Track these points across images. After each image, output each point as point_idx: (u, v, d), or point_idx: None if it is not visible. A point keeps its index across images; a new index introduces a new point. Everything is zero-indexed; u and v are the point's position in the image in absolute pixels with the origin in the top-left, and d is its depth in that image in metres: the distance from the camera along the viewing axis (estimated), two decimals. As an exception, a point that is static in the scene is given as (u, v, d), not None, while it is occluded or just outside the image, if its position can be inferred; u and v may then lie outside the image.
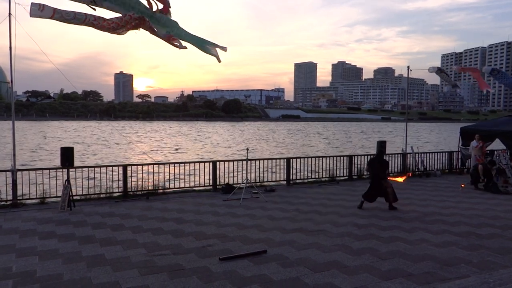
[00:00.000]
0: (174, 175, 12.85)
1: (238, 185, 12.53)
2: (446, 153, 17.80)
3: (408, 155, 16.75)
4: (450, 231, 8.52)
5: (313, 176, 14.76)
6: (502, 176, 14.09)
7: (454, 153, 17.78)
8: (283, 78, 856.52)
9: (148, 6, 8.77)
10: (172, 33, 8.82)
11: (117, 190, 11.84)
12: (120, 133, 55.03)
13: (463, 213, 10.09)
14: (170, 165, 13.10)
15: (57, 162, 12.57)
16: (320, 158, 15.28)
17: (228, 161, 14.01)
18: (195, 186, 12.82)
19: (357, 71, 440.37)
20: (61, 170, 10.84)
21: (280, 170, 14.05)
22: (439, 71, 17.52)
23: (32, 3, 8.10)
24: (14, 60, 9.59)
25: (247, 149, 13.35)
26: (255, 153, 34.88)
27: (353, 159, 15.37)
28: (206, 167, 13.18)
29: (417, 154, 16.76)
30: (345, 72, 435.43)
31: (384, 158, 10.66)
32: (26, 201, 10.71)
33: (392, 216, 9.74)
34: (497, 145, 17.44)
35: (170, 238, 7.91)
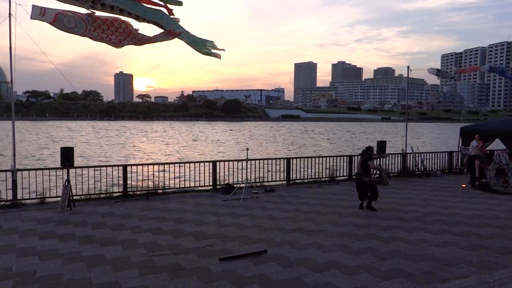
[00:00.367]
0: (174, 175, 12.84)
1: (238, 185, 12.53)
2: (446, 153, 17.80)
3: (408, 155, 16.75)
4: (450, 231, 8.52)
5: (313, 176, 14.75)
6: (502, 176, 14.09)
7: (454, 153, 17.78)
8: (283, 78, 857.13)
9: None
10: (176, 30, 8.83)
11: (117, 190, 11.84)
12: (123, 135, 55.09)
13: (463, 213, 10.09)
14: (170, 165, 13.09)
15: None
16: (320, 158, 15.28)
17: (228, 161, 14.01)
18: (195, 186, 12.82)
19: (357, 71, 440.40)
20: (61, 170, 10.83)
21: (280, 170, 14.05)
22: (439, 73, 17.55)
23: (33, 6, 8.11)
24: (14, 60, 9.59)
25: (247, 149, 13.34)
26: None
27: (353, 159, 15.37)
28: (206, 167, 13.17)
29: (417, 154, 16.76)
30: (345, 72, 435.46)
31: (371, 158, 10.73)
32: (26, 201, 10.71)
33: (392, 216, 9.74)
34: (497, 145, 17.44)
35: (170, 238, 7.91)
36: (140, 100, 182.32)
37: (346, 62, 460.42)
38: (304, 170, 14.48)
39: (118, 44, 8.76)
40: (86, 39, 8.48)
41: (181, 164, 13.21)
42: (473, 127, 17.58)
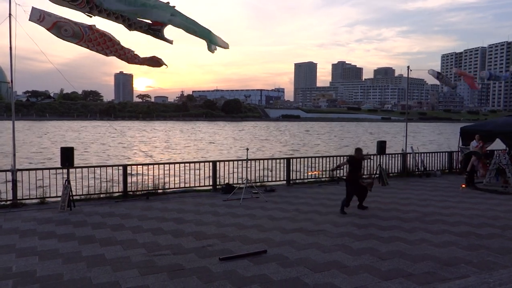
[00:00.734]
0: (174, 175, 12.84)
1: (238, 185, 12.53)
2: (446, 153, 17.80)
3: (408, 155, 16.75)
4: (450, 231, 8.52)
5: (313, 176, 14.75)
6: (502, 176, 14.10)
7: (454, 153, 17.78)
8: (283, 78, 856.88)
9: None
10: (176, 18, 8.69)
11: (117, 190, 11.84)
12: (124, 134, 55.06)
13: (463, 213, 10.09)
14: (170, 165, 13.08)
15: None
16: (320, 158, 15.28)
17: (228, 161, 14.01)
18: (195, 186, 12.82)
19: (357, 71, 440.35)
20: (61, 170, 10.83)
21: (280, 170, 14.04)
22: (440, 76, 17.54)
23: (33, 8, 8.11)
24: (14, 60, 9.59)
25: (247, 149, 13.34)
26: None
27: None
28: (206, 167, 13.18)
29: (417, 154, 16.76)
30: (345, 72, 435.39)
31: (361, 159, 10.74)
32: (26, 201, 10.71)
33: (392, 216, 9.74)
34: (497, 145, 17.44)
35: (170, 238, 7.91)
36: (140, 100, 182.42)
37: (346, 62, 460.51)
38: (304, 170, 14.48)
39: (108, 54, 8.90)
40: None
41: (181, 164, 13.21)
42: (473, 127, 17.58)
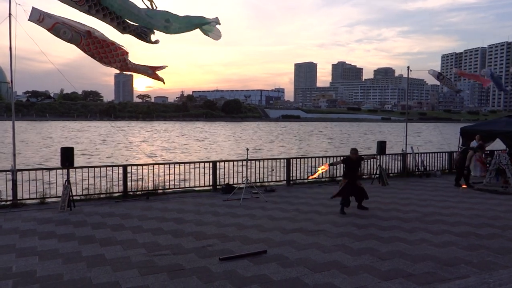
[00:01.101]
0: (174, 175, 12.84)
1: (238, 185, 12.53)
2: (446, 153, 17.80)
3: (408, 155, 16.76)
4: (450, 231, 8.52)
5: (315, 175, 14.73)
6: (502, 176, 14.10)
7: (454, 153, 17.77)
8: (283, 78, 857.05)
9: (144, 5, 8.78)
10: (171, 25, 8.76)
11: (117, 190, 11.84)
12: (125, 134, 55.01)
13: (463, 213, 10.09)
14: (170, 165, 13.08)
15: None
16: (320, 158, 15.28)
17: (228, 161, 14.01)
18: (195, 186, 12.82)
19: (357, 71, 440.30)
20: (61, 170, 10.83)
21: (280, 170, 14.05)
22: (440, 76, 17.46)
23: (33, 8, 8.12)
24: (14, 60, 9.59)
25: (247, 149, 13.34)
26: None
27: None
28: (206, 167, 13.17)
29: (417, 154, 16.76)
30: (345, 72, 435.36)
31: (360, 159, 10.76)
32: (26, 201, 10.71)
33: (392, 216, 9.74)
34: (497, 145, 17.44)
35: (170, 238, 7.91)
36: (140, 100, 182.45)
37: (346, 62, 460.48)
38: (304, 171, 14.47)
39: (106, 64, 8.98)
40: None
41: (181, 164, 13.21)
42: (473, 127, 17.58)
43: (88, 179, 11.67)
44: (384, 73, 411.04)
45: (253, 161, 13.90)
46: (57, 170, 11.18)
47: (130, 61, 9.38)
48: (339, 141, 54.84)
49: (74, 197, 10.49)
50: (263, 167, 13.78)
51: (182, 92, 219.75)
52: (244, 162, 12.70)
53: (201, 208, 10.52)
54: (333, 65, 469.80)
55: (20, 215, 9.59)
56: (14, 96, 12.75)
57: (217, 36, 8.99)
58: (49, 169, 11.36)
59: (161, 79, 9.83)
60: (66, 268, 6.30)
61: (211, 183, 12.94)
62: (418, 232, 8.40)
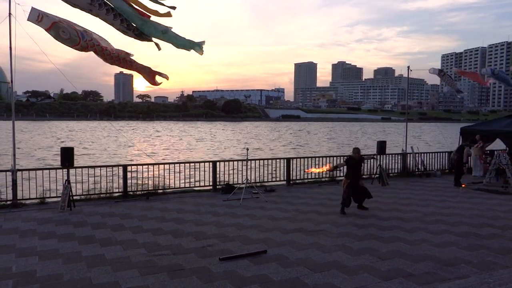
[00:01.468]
0: (174, 175, 12.84)
1: (238, 185, 12.53)
2: (446, 153, 17.79)
3: (408, 155, 16.76)
4: (450, 231, 8.52)
5: (313, 176, 14.75)
6: (502, 176, 14.11)
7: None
8: (283, 78, 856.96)
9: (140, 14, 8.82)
10: (166, 34, 8.87)
11: (117, 190, 11.84)
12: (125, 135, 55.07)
13: (463, 213, 10.09)
14: (170, 165, 13.08)
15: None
16: (320, 158, 15.28)
17: (228, 161, 14.01)
18: (195, 186, 12.82)
19: (357, 71, 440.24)
20: (61, 170, 10.83)
21: (280, 170, 14.05)
22: (441, 73, 17.41)
23: (32, 8, 8.11)
24: (14, 60, 9.59)
25: (247, 149, 13.34)
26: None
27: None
28: (206, 167, 13.18)
29: (417, 154, 16.76)
30: (345, 72, 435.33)
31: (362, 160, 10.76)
32: (26, 201, 10.71)
33: (392, 216, 9.74)
34: (497, 145, 17.45)
35: (170, 238, 7.91)
36: (140, 100, 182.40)
37: (346, 62, 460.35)
38: (304, 170, 14.47)
39: (105, 61, 9.00)
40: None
41: (181, 164, 13.21)
42: (473, 127, 17.59)
43: (88, 179, 11.67)
44: (384, 73, 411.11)
45: (253, 161, 13.89)
46: (57, 170, 11.18)
47: (134, 60, 9.40)
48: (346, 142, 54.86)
49: (74, 197, 10.49)
50: (263, 165, 13.78)
51: (182, 92, 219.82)
52: (244, 162, 12.69)
53: (201, 208, 10.52)
54: (333, 65, 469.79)
55: (20, 215, 9.59)
56: (14, 96, 12.74)
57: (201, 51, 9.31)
58: (49, 169, 11.34)
59: (157, 84, 9.83)
60: (66, 268, 6.30)
61: (211, 183, 12.94)
62: (418, 232, 8.40)
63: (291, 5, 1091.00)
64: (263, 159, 14.36)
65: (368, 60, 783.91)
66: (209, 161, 13.49)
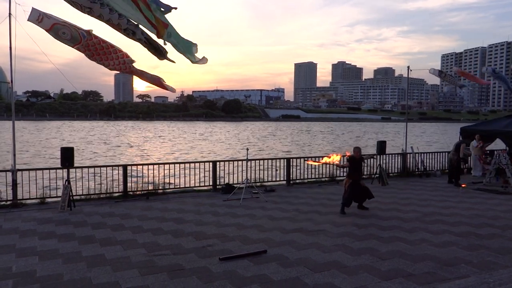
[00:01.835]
0: (174, 175, 12.85)
1: (238, 185, 12.53)
2: (446, 153, 17.77)
3: (408, 155, 16.75)
4: (450, 231, 8.52)
5: (313, 176, 14.75)
6: (502, 176, 14.11)
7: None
8: (283, 78, 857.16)
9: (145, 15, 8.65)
10: (171, 39, 8.67)
11: (117, 190, 11.84)
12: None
13: (463, 213, 10.09)
14: (170, 165, 13.08)
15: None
16: (320, 158, 15.25)
17: (228, 161, 14.01)
18: (195, 186, 12.82)
19: (357, 71, 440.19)
20: (61, 170, 10.83)
21: (280, 170, 14.05)
22: (442, 74, 17.39)
23: (33, 9, 8.10)
24: (14, 60, 9.59)
25: (247, 149, 13.34)
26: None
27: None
28: (206, 167, 13.18)
29: (417, 154, 16.76)
30: (345, 72, 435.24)
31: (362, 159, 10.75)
32: (26, 201, 10.71)
33: (392, 216, 9.74)
34: (497, 145, 17.45)
35: (170, 238, 7.91)
36: (140, 100, 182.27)
37: (346, 62, 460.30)
38: (304, 170, 14.48)
39: (106, 66, 8.88)
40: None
41: (181, 164, 13.21)
42: (473, 127, 17.59)
43: (88, 179, 11.67)
44: (384, 73, 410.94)
45: (253, 161, 13.89)
46: (57, 170, 11.18)
47: (134, 66, 9.21)
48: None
49: (74, 197, 10.49)
50: (262, 164, 13.77)
51: (182, 92, 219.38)
52: (244, 162, 12.69)
53: (201, 208, 10.52)
54: (333, 65, 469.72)
55: (20, 215, 9.59)
56: (14, 96, 12.75)
57: (203, 61, 9.06)
58: (49, 169, 11.34)
59: (169, 88, 9.79)
60: (66, 268, 6.30)
61: (211, 183, 12.94)
62: (418, 232, 8.40)
63: (291, 5, 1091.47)
64: (263, 159, 14.36)
65: (368, 60, 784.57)
66: (209, 161, 13.49)
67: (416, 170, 16.54)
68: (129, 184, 11.78)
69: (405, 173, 16.31)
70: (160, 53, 8.54)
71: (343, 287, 5.70)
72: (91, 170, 12.32)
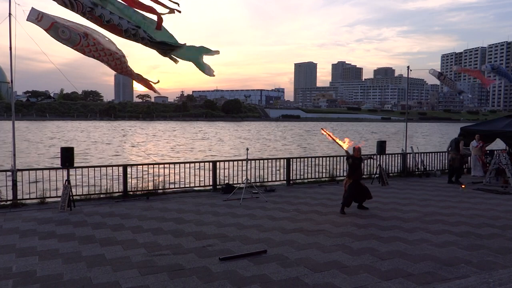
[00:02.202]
0: (174, 175, 12.84)
1: (238, 185, 12.53)
2: (446, 153, 17.77)
3: (408, 155, 16.75)
4: (450, 231, 8.52)
5: (313, 176, 14.75)
6: (502, 176, 14.11)
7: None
8: (283, 78, 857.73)
9: (145, 16, 8.61)
10: (171, 42, 8.57)
11: (117, 190, 11.84)
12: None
13: (463, 213, 10.09)
14: (170, 165, 13.08)
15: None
16: (320, 158, 15.28)
17: (228, 161, 14.01)
18: (195, 186, 12.81)
19: (357, 71, 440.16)
20: (61, 170, 10.83)
21: (280, 170, 14.04)
22: (441, 76, 17.35)
23: (32, 8, 8.09)
24: (14, 60, 9.60)
25: (247, 149, 13.34)
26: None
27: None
28: (206, 167, 13.17)
29: (417, 154, 16.76)
30: (345, 72, 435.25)
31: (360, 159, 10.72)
32: (26, 201, 10.71)
33: (392, 216, 9.74)
34: (497, 145, 17.44)
35: (170, 238, 7.91)
36: (140, 100, 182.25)
37: (346, 62, 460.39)
38: (304, 170, 14.47)
39: (105, 62, 8.85)
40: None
41: (181, 164, 13.20)
42: (473, 127, 17.58)
43: (88, 179, 11.67)
44: (384, 73, 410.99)
45: (253, 161, 13.89)
46: (57, 170, 11.18)
47: (128, 66, 9.19)
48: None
49: (74, 197, 10.49)
50: (262, 163, 13.77)
51: (182, 92, 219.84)
52: (244, 162, 12.69)
53: (201, 208, 10.52)
54: (333, 65, 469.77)
55: (20, 215, 9.59)
56: (14, 96, 12.74)
57: (210, 72, 8.86)
58: (49, 169, 11.34)
59: (154, 89, 9.72)
60: (66, 268, 6.30)
61: (211, 183, 12.94)
62: (418, 232, 8.40)
63: (291, 5, 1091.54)
64: (263, 159, 14.36)
65: (368, 60, 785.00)
66: (209, 161, 13.49)
67: (416, 170, 16.54)
68: (129, 184, 11.78)
69: (405, 173, 16.31)
70: (165, 49, 8.48)
71: (343, 287, 5.70)
72: (91, 170, 12.29)
